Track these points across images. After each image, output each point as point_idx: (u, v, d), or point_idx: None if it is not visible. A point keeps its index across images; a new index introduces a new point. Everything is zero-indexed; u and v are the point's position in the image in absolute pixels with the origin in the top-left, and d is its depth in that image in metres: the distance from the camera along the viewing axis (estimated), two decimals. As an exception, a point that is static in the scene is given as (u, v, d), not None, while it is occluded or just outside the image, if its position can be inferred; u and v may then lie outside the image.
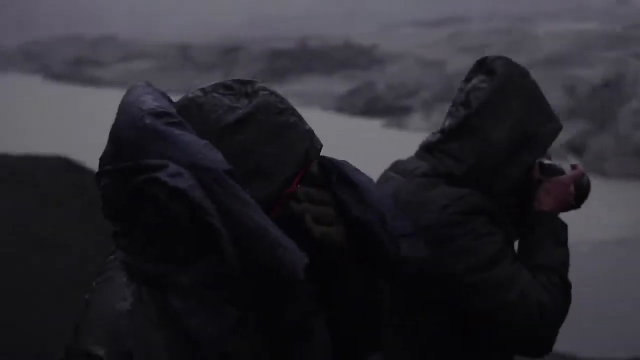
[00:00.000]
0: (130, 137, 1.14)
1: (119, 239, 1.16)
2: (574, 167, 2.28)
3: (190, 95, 1.23)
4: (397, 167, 2.22)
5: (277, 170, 1.18)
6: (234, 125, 1.18)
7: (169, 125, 1.14)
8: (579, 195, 2.27)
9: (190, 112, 1.20)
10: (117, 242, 1.16)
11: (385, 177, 2.24)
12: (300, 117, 1.26)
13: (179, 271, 1.09)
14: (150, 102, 1.17)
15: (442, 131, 2.15)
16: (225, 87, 1.25)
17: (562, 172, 2.22)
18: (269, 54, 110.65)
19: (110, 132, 1.17)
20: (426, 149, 2.18)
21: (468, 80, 2.22)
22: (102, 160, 1.17)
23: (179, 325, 1.08)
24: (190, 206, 1.07)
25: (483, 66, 2.18)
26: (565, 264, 2.12)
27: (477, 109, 2.09)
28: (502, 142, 2.08)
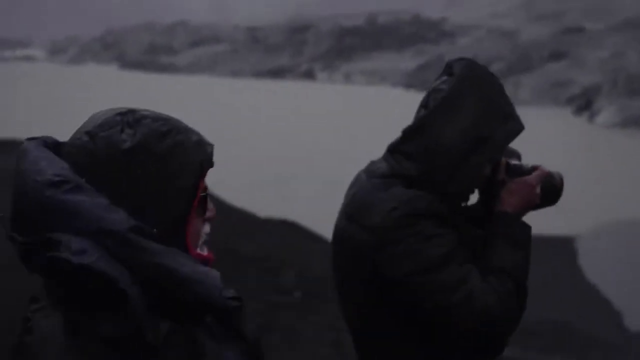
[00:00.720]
0: (33, 211, 1.21)
1: (46, 286, 1.27)
2: (535, 167, 2.20)
3: (79, 142, 1.28)
4: (367, 167, 2.20)
5: (178, 186, 1.29)
6: (126, 159, 1.25)
7: (68, 192, 1.20)
8: (549, 193, 2.19)
9: (83, 162, 1.26)
10: (45, 287, 1.27)
11: (356, 177, 2.22)
12: (186, 130, 1.34)
13: (95, 322, 1.21)
14: (45, 169, 1.22)
15: (403, 132, 2.13)
16: (108, 124, 1.29)
17: (529, 173, 2.17)
18: (338, 32, 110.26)
19: (13, 202, 1.24)
20: (388, 150, 2.16)
21: (435, 80, 2.19)
22: (12, 224, 1.24)
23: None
24: (98, 277, 1.18)
25: (447, 67, 2.17)
26: (521, 267, 2.06)
27: (432, 110, 2.07)
28: (454, 143, 2.04)
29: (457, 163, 2.04)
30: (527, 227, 2.13)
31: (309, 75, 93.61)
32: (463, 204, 2.20)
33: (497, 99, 2.11)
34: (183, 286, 1.23)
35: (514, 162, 2.20)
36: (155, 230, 1.25)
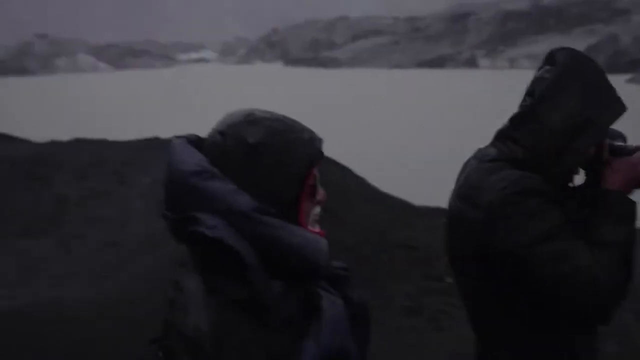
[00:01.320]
0: (179, 194, 1.51)
1: (191, 254, 1.52)
2: (637, 147, 2.28)
3: (213, 139, 1.56)
4: (476, 154, 2.38)
5: (291, 176, 1.53)
6: (249, 153, 1.52)
7: (206, 179, 1.49)
8: None
9: (217, 155, 1.53)
10: (190, 255, 1.52)
11: (466, 163, 2.42)
12: (300, 129, 1.57)
13: (224, 285, 1.46)
14: (188, 161, 1.52)
15: (510, 119, 2.29)
16: (235, 124, 1.55)
17: (632, 153, 2.27)
18: (500, 17, 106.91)
19: (164, 187, 1.54)
20: (496, 136, 2.33)
21: (538, 70, 2.34)
22: (165, 204, 1.54)
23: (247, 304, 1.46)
24: (226, 248, 1.45)
25: (549, 56, 2.32)
26: (628, 241, 2.16)
27: (538, 98, 2.22)
28: (558, 128, 2.19)
29: (563, 146, 2.19)
30: (632, 204, 2.21)
31: (471, 62, 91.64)
32: (569, 184, 2.32)
33: (598, 84, 2.23)
34: (294, 252, 1.48)
35: (618, 143, 2.30)
36: (273, 210, 1.49)
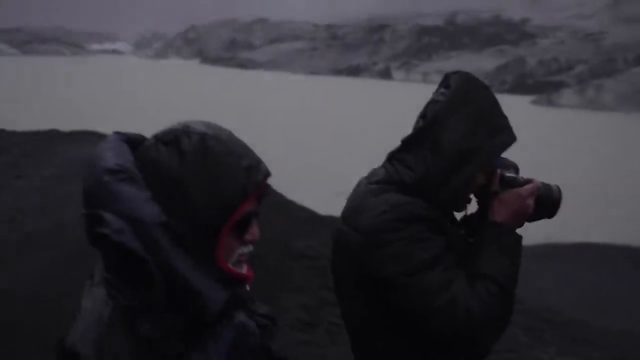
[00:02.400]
0: (92, 189, 1.42)
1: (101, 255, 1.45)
2: (528, 180, 2.25)
3: (147, 143, 1.46)
4: (369, 174, 2.31)
5: (214, 202, 1.40)
6: (175, 167, 1.41)
7: (121, 181, 1.39)
8: (545, 206, 2.27)
9: (144, 160, 1.44)
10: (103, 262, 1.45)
11: (358, 183, 2.33)
12: (239, 155, 1.44)
13: (130, 294, 1.37)
14: (109, 158, 1.43)
15: (402, 141, 2.23)
16: (173, 133, 1.44)
17: (522, 185, 2.24)
18: (416, 31, 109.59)
19: (82, 181, 1.46)
20: (387, 158, 2.26)
21: (435, 92, 2.30)
22: (83, 201, 1.46)
23: (137, 330, 1.36)
24: (131, 255, 1.35)
25: (445, 79, 2.24)
26: (507, 274, 2.13)
27: (429, 121, 2.16)
28: (447, 153, 2.13)
29: (448, 172, 2.12)
30: (516, 236, 2.17)
31: (386, 74, 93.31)
32: (461, 213, 2.28)
33: (489, 112, 2.18)
34: (184, 291, 1.37)
35: (509, 174, 2.24)
36: (184, 231, 1.38)
